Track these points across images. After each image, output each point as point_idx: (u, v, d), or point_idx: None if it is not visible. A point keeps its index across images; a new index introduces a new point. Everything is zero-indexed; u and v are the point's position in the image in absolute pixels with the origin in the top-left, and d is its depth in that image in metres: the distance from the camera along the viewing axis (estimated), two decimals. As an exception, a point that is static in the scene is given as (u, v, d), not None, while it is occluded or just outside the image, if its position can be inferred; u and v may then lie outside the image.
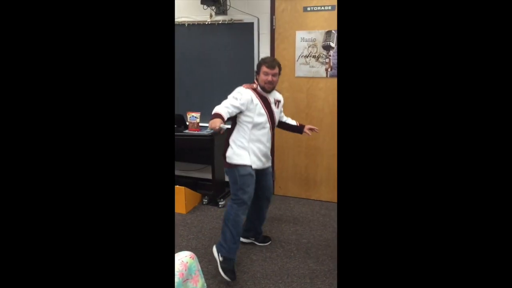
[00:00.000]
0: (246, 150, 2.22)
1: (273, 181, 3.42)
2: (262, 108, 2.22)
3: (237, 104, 2.12)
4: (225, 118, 2.07)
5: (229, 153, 2.26)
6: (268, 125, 2.27)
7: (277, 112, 2.36)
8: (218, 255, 2.22)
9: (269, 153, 2.37)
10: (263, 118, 2.23)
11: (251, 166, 2.22)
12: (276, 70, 2.21)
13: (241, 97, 2.14)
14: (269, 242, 2.63)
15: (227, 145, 2.29)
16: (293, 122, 2.54)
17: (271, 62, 2.20)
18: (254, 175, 2.25)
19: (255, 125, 2.21)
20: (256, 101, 2.19)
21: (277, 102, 2.34)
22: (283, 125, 2.54)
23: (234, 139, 2.26)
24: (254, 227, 2.57)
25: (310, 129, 2.47)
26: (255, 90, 2.22)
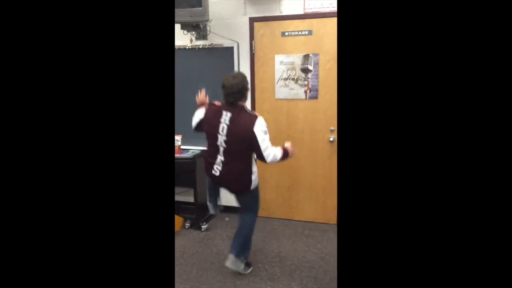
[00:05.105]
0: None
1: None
2: None
3: None
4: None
5: (254, 179, 2.30)
6: None
7: None
8: (239, 263, 2.40)
9: None
10: None
11: None
12: None
13: None
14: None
15: (249, 173, 2.28)
16: None
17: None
18: None
19: None
20: None
21: None
22: None
23: (254, 167, 2.30)
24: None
25: None
26: None
